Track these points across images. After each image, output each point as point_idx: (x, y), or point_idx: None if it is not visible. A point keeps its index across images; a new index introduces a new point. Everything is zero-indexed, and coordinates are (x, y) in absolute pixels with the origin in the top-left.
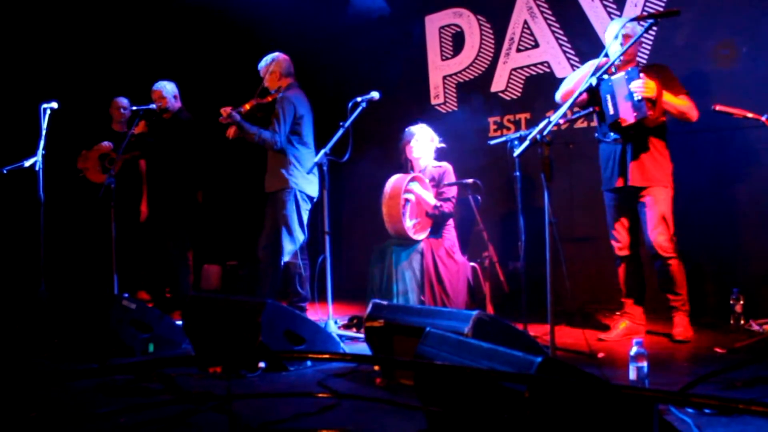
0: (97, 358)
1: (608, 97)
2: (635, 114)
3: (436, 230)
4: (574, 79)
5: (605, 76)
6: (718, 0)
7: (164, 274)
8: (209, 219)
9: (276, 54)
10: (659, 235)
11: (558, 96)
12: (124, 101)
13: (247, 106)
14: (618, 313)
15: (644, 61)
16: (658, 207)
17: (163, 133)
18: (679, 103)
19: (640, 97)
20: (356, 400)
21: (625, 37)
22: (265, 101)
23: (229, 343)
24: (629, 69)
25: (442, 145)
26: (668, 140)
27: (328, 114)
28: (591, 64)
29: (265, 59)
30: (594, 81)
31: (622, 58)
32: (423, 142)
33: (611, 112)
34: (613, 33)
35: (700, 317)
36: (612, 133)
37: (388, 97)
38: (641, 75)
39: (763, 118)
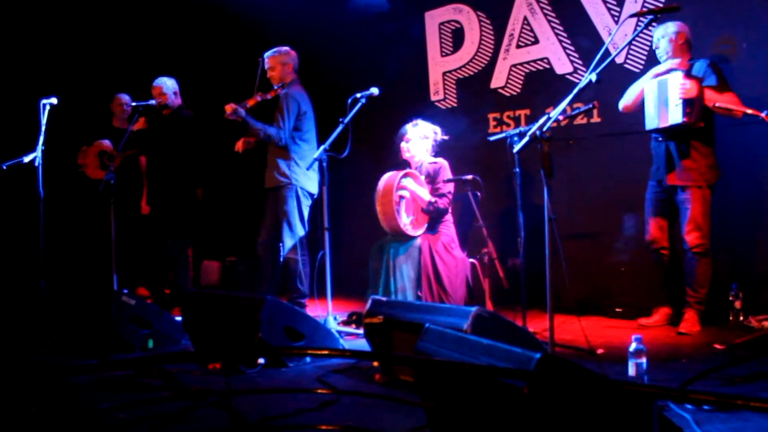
0: (96, 354)
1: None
2: (670, 118)
3: (432, 226)
4: (634, 93)
5: (656, 79)
6: None
7: (164, 271)
8: (209, 215)
9: (288, 48)
10: (693, 234)
11: (620, 106)
12: (125, 97)
13: (251, 102)
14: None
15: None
16: (693, 206)
17: (163, 129)
18: (723, 100)
19: (677, 102)
20: (355, 396)
21: (673, 37)
22: (269, 97)
23: (228, 340)
24: (673, 75)
25: (445, 137)
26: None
27: (327, 110)
28: (650, 73)
29: (278, 50)
30: (593, 77)
31: (668, 56)
32: (414, 141)
33: (651, 112)
34: (658, 36)
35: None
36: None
37: (388, 94)
38: (681, 77)
39: (763, 114)
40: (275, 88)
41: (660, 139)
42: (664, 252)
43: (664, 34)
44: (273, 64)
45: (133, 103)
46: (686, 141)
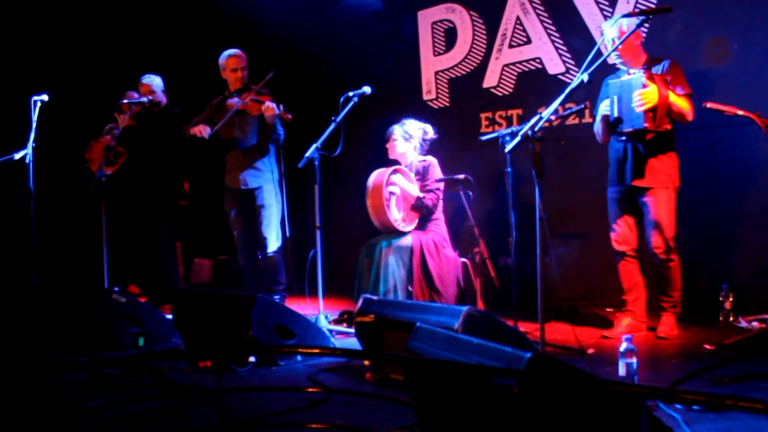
0: (86, 352)
1: (615, 98)
2: (633, 123)
3: (422, 223)
4: (597, 124)
5: (619, 79)
6: None
7: (156, 268)
8: (200, 213)
9: None
10: (658, 237)
11: (600, 140)
12: (135, 95)
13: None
14: (621, 310)
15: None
16: (658, 208)
17: (156, 126)
18: (679, 104)
19: (640, 109)
20: (346, 395)
21: (622, 34)
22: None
23: (219, 338)
24: (635, 76)
25: (434, 136)
26: (670, 138)
27: (319, 108)
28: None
29: (238, 51)
30: (585, 77)
31: (622, 59)
32: (399, 141)
33: (615, 114)
34: (610, 32)
35: (690, 314)
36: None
37: (380, 93)
38: (644, 83)
39: (754, 116)
40: (254, 87)
41: (623, 139)
42: (632, 255)
43: (619, 33)
44: (244, 64)
45: (125, 101)
46: (651, 142)
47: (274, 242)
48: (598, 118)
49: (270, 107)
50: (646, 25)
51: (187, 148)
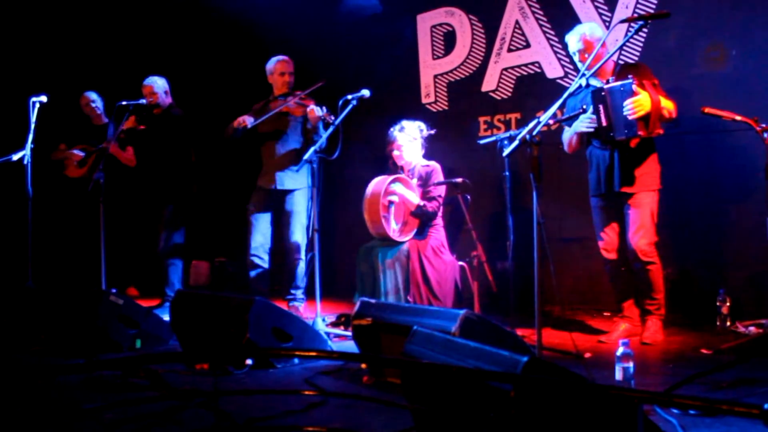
0: (84, 354)
1: (601, 107)
2: (626, 131)
3: (422, 230)
4: (569, 133)
5: (597, 83)
6: (708, 2)
7: (157, 269)
8: (198, 215)
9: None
10: (640, 239)
11: (567, 150)
12: (92, 95)
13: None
14: (618, 315)
15: (632, 61)
16: (641, 211)
17: (155, 128)
18: (667, 105)
19: (634, 116)
20: (343, 398)
21: (587, 43)
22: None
23: (216, 340)
24: (625, 82)
25: (432, 131)
26: (656, 142)
27: None
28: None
29: (288, 58)
30: (584, 82)
31: (592, 68)
32: (405, 147)
33: (604, 124)
34: (573, 43)
35: (687, 318)
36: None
37: (379, 96)
38: (634, 89)
39: (752, 121)
40: (298, 93)
41: (607, 146)
42: (623, 261)
43: (584, 43)
44: (292, 70)
45: (123, 102)
46: (637, 147)
47: (301, 245)
48: (574, 128)
49: (314, 109)
50: (645, 30)
51: (197, 149)
